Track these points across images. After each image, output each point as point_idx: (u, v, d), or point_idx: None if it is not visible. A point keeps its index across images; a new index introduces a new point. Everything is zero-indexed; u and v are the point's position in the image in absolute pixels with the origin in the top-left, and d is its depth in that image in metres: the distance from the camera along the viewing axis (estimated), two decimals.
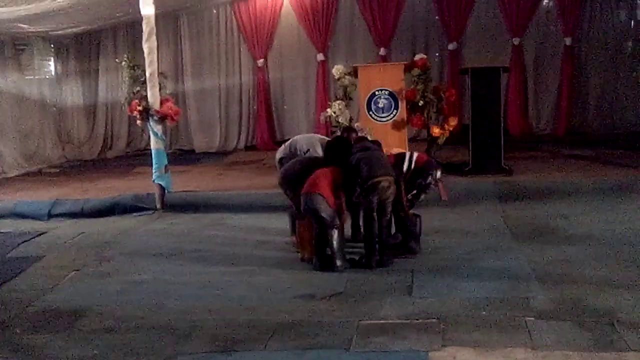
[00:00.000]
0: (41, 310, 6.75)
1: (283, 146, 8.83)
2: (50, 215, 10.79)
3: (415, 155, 7.95)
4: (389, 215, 7.50)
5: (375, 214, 7.31)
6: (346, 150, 7.78)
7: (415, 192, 7.75)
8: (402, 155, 7.98)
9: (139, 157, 15.48)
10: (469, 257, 7.58)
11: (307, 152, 8.46)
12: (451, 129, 11.22)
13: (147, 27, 10.71)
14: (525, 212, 9.42)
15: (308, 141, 8.65)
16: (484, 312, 5.96)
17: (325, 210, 7.23)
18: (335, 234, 7.30)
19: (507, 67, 13.14)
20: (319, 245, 7.45)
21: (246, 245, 8.65)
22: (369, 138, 9.50)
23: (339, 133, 9.16)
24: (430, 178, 7.79)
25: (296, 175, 7.75)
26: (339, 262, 7.32)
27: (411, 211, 7.82)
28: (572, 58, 15.06)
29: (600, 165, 11.77)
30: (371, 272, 7.23)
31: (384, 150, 8.02)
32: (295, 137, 8.99)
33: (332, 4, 15.68)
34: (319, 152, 8.30)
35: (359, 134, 9.15)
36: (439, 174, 7.91)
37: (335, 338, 5.62)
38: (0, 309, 6.70)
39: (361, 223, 8.13)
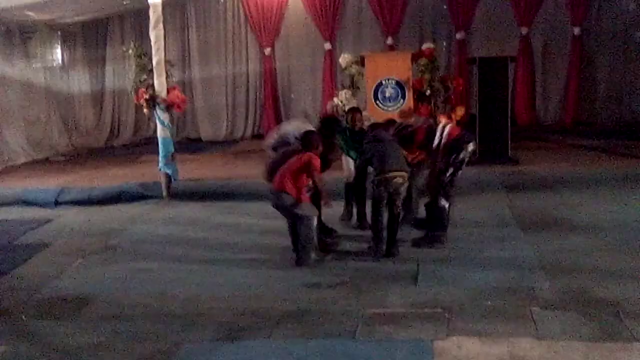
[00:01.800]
0: (48, 297, 6.77)
1: (274, 134, 8.71)
2: (57, 203, 10.83)
3: (448, 128, 7.68)
4: (399, 208, 7.37)
5: (383, 204, 7.26)
6: (335, 125, 8.11)
7: (451, 170, 7.53)
8: (433, 129, 7.76)
9: (146, 145, 15.50)
10: (474, 247, 7.58)
11: (297, 134, 8.24)
12: (458, 118, 11.19)
13: (154, 15, 10.70)
14: (531, 202, 9.41)
15: (299, 126, 8.51)
16: (489, 302, 5.96)
17: (296, 206, 7.10)
18: (310, 226, 7.14)
19: (514, 56, 13.11)
20: (295, 240, 7.34)
21: (252, 233, 8.66)
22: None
23: (344, 122, 9.10)
24: (463, 153, 7.55)
25: (277, 168, 7.52)
26: (312, 255, 7.20)
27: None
28: (580, 48, 14.99)
29: (607, 155, 11.74)
30: (377, 261, 7.23)
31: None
32: (285, 125, 8.93)
33: None
34: None
35: (366, 123, 9.12)
36: (471, 146, 7.66)
37: (340, 327, 5.63)
38: (7, 295, 6.74)
39: (367, 211, 8.14)
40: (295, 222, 7.26)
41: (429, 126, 7.97)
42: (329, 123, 8.32)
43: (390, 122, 8.26)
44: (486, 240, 7.79)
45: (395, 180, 7.16)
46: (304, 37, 16.17)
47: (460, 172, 7.64)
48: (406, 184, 7.29)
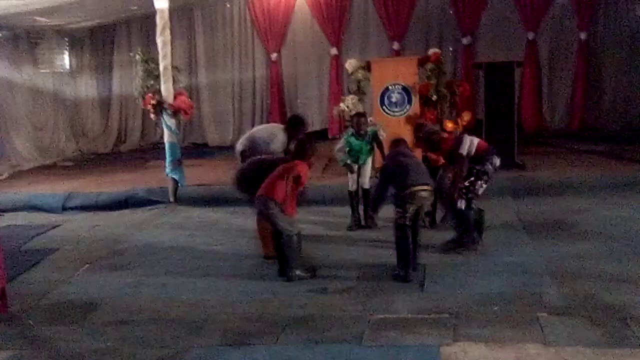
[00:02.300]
0: (55, 302, 6.79)
1: (243, 138, 8.69)
2: (64, 208, 10.87)
3: (476, 141, 7.67)
4: (420, 220, 7.19)
5: (409, 227, 6.90)
6: (301, 124, 8.09)
7: (472, 179, 7.53)
8: (462, 139, 7.69)
9: (153, 150, 15.54)
10: (481, 252, 7.56)
11: (266, 139, 8.24)
12: (465, 123, 11.18)
13: (161, 20, 10.74)
14: (538, 208, 9.41)
15: (268, 130, 8.54)
16: (496, 308, 5.95)
17: (279, 217, 6.88)
18: (291, 242, 6.93)
19: (521, 62, 13.10)
20: (278, 250, 7.14)
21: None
22: (382, 132, 9.50)
23: (351, 129, 9.16)
24: (488, 165, 7.55)
25: (250, 177, 7.49)
26: (296, 272, 6.97)
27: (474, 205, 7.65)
28: (586, 53, 14.97)
29: (614, 160, 11.72)
30: (384, 266, 7.21)
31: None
32: (255, 129, 8.97)
33: None
34: (280, 138, 8.13)
35: (371, 127, 9.17)
36: (498, 162, 7.66)
37: (347, 332, 5.63)
38: (15, 300, 6.73)
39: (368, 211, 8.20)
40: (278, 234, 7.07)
41: (458, 137, 7.87)
42: (295, 122, 8.27)
43: (419, 126, 8.22)
44: (493, 246, 7.77)
45: (420, 194, 6.89)
46: (310, 43, 16.19)
47: (482, 183, 7.61)
48: (432, 197, 7.12)
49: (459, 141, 7.69)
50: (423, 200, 6.98)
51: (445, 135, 8.07)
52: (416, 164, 7.23)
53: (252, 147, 8.16)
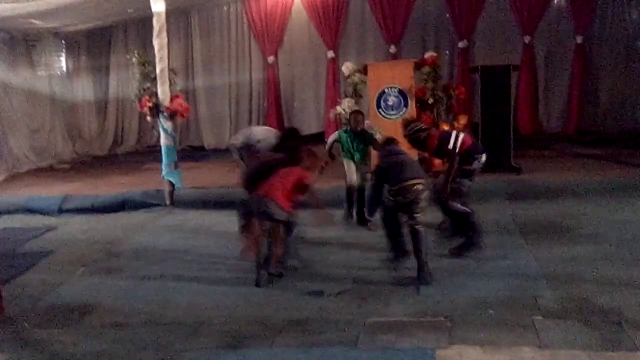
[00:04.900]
0: (51, 305, 6.79)
1: (239, 135, 9.10)
2: (60, 211, 10.87)
3: (461, 137, 7.63)
4: (420, 224, 6.88)
5: (391, 211, 6.96)
6: (296, 138, 8.06)
7: (458, 179, 7.50)
8: (448, 135, 7.66)
9: (149, 153, 15.53)
10: (477, 256, 7.55)
11: (258, 141, 8.63)
12: (460, 127, 11.19)
13: (158, 23, 10.76)
14: (534, 211, 9.41)
15: (263, 132, 8.87)
16: (492, 311, 5.95)
17: (280, 214, 6.91)
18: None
19: (517, 65, 13.11)
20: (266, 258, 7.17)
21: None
22: (379, 135, 9.55)
23: (347, 125, 9.27)
24: (475, 163, 7.53)
25: (255, 176, 7.54)
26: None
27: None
28: (583, 57, 14.99)
29: (610, 164, 11.73)
30: (379, 269, 7.22)
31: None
32: (252, 127, 9.20)
33: (343, 1, 15.67)
34: (272, 142, 8.37)
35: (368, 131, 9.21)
36: (484, 158, 7.62)
37: (342, 335, 5.63)
38: (11, 303, 6.74)
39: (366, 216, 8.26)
40: (279, 232, 7.18)
41: (442, 133, 7.87)
42: (289, 135, 8.33)
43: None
44: (488, 249, 7.74)
45: (415, 187, 6.78)
46: (307, 46, 16.21)
47: (470, 182, 7.62)
48: (427, 192, 6.94)
49: (445, 138, 7.67)
50: (417, 193, 6.80)
51: (432, 132, 7.99)
52: (410, 161, 7.17)
53: (247, 143, 8.50)
